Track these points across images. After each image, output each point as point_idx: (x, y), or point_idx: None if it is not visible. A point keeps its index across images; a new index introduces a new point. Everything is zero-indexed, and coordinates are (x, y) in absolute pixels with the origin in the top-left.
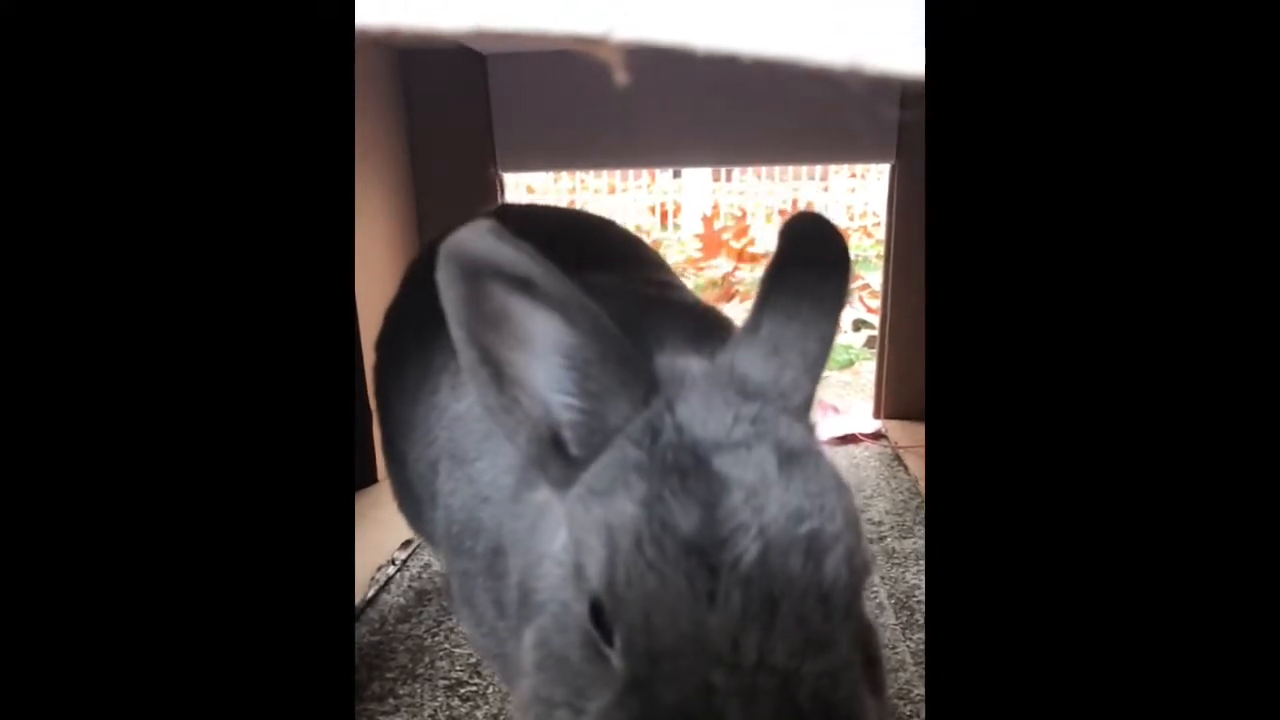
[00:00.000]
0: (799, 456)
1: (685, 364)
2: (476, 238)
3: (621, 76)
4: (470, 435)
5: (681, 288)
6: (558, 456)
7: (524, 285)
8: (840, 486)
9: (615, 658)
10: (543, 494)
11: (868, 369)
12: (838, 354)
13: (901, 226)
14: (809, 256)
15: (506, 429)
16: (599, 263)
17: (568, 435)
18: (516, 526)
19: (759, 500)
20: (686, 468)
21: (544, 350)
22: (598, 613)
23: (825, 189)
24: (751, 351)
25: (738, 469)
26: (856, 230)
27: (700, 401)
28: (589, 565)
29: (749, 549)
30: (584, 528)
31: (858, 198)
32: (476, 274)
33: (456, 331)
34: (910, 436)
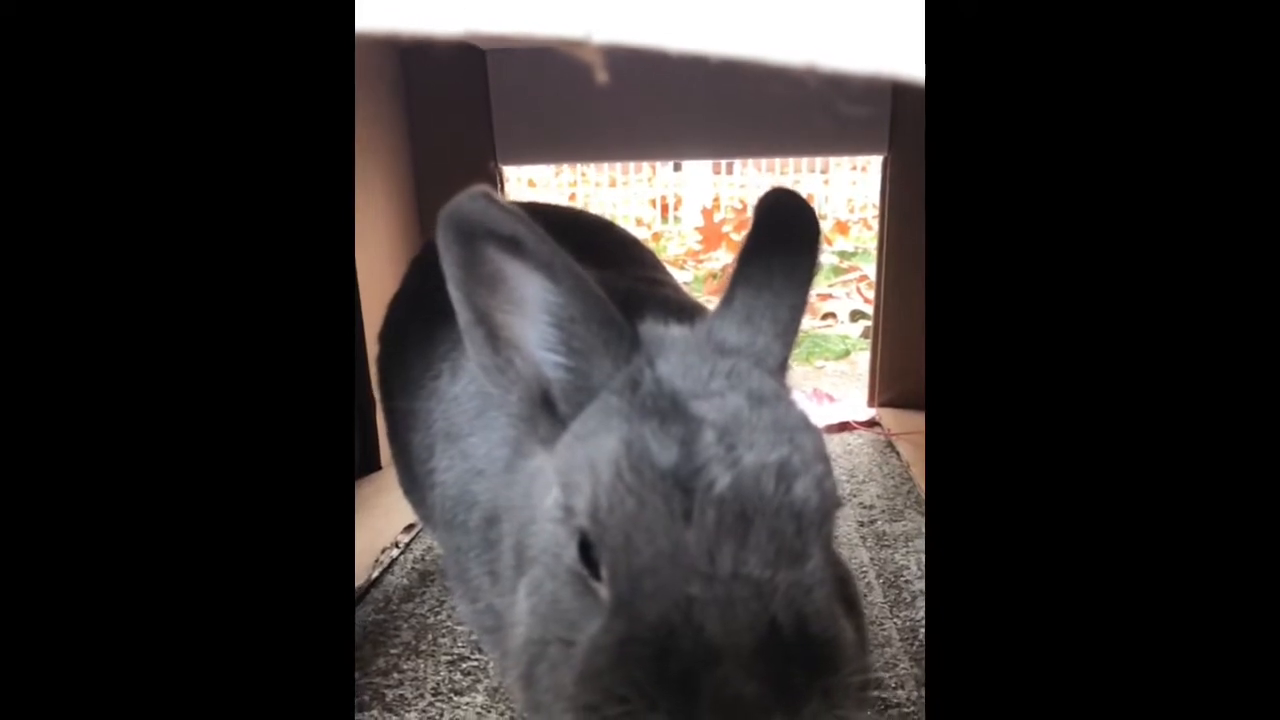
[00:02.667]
0: (769, 400)
1: (665, 329)
2: (469, 202)
3: (601, 76)
4: (464, 413)
5: (675, 286)
6: (547, 415)
7: (515, 247)
8: (810, 426)
9: (603, 589)
10: (535, 462)
11: (864, 359)
12: (834, 345)
13: (894, 218)
14: (780, 231)
15: (501, 388)
16: (595, 261)
17: (556, 393)
18: (510, 494)
19: (732, 436)
20: (665, 411)
21: (533, 310)
22: (585, 550)
23: (826, 182)
24: (727, 319)
25: (713, 411)
26: (856, 223)
27: (679, 359)
28: (577, 502)
29: (722, 475)
30: (570, 468)
31: (858, 190)
32: (471, 236)
33: (455, 293)
34: (902, 424)
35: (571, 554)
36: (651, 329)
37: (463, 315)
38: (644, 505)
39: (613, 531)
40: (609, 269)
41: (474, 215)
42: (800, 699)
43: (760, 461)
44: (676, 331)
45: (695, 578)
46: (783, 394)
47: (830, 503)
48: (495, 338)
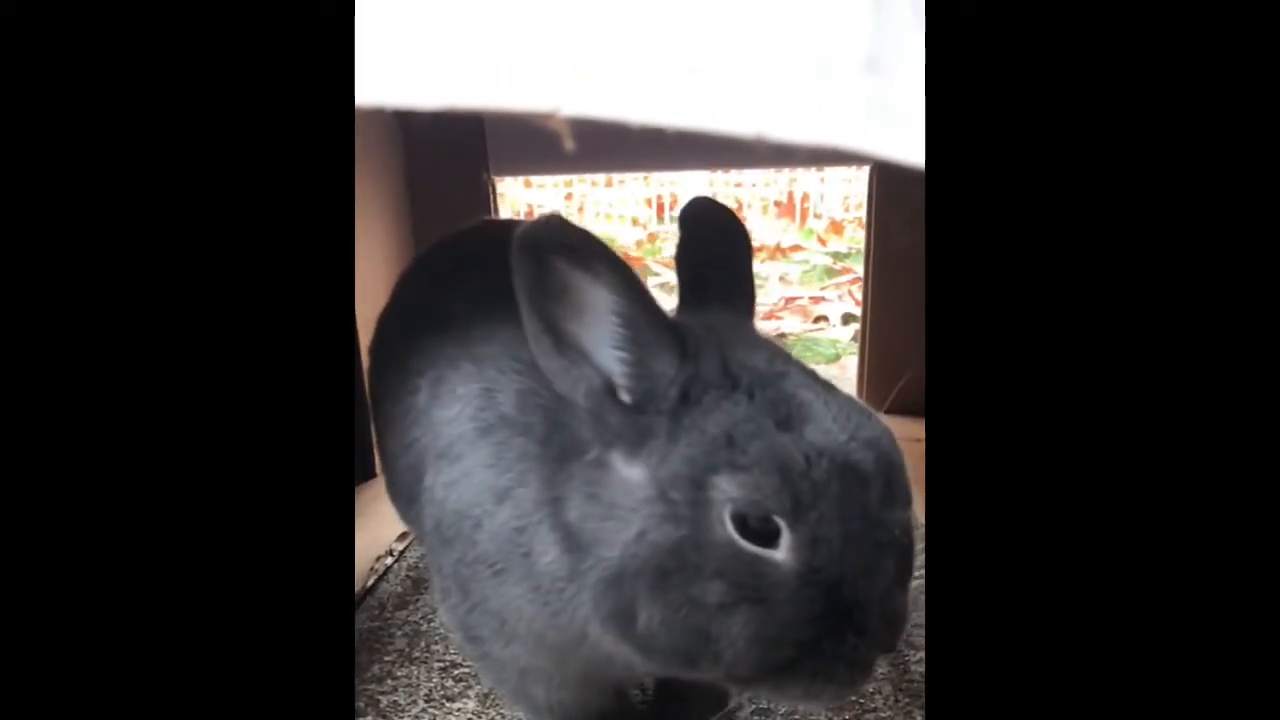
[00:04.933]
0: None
1: (713, 321)
2: (544, 223)
3: (569, 144)
4: (461, 435)
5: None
6: (614, 406)
7: (584, 260)
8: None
9: (782, 554)
10: (582, 465)
11: (854, 364)
12: (825, 348)
13: (882, 224)
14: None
15: (565, 388)
16: None
17: (620, 384)
18: (536, 505)
19: (838, 409)
20: (780, 398)
21: (600, 313)
22: (743, 524)
23: (822, 180)
24: (714, 309)
25: (807, 392)
26: (851, 222)
27: (741, 348)
28: (727, 488)
29: (861, 450)
30: (715, 460)
31: (854, 189)
32: (544, 253)
33: (525, 305)
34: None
35: (724, 533)
36: (693, 321)
37: (531, 325)
38: (832, 483)
39: (806, 508)
40: None
41: (547, 233)
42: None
43: (874, 433)
44: (702, 324)
45: (873, 531)
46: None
47: None
48: (560, 342)
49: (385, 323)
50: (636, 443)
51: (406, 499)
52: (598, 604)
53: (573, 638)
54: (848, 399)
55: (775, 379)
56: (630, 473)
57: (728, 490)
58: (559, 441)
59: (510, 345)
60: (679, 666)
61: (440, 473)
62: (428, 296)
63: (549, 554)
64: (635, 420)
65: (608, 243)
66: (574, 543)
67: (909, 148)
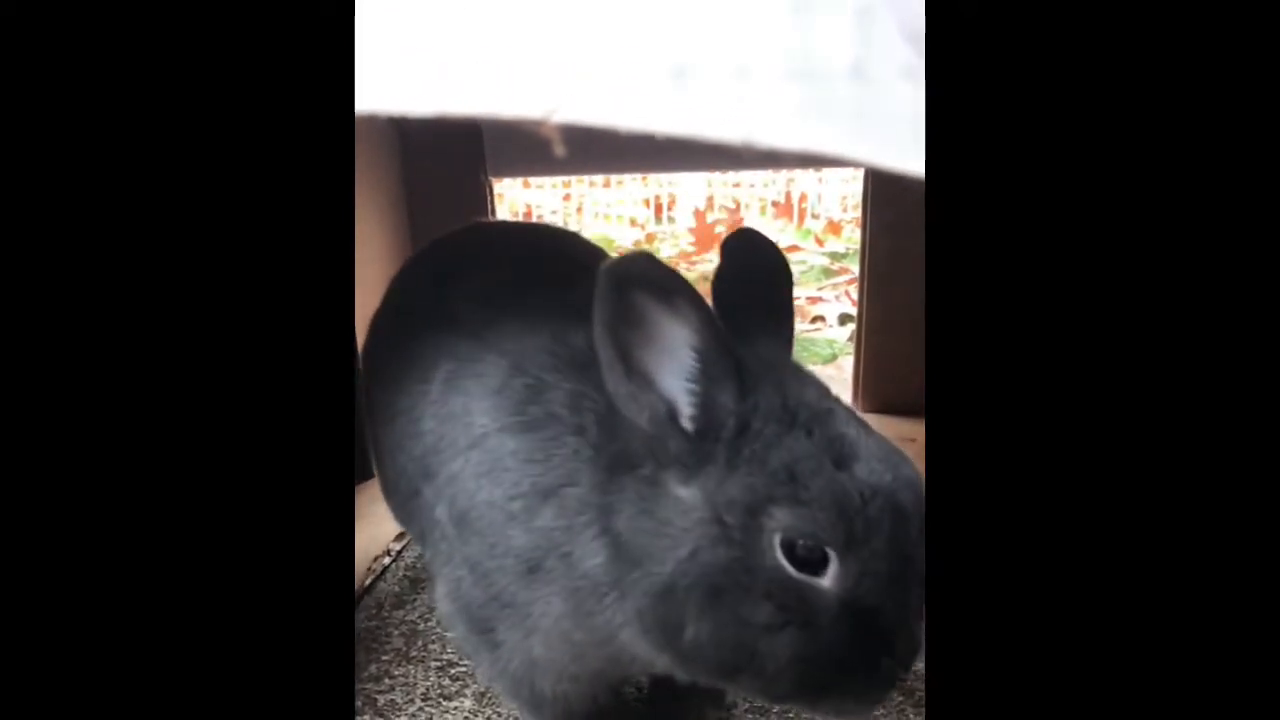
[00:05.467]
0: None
1: (762, 354)
2: (633, 258)
3: (560, 150)
4: (495, 440)
5: None
6: (676, 431)
7: (667, 297)
8: None
9: (828, 581)
10: (634, 482)
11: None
12: (822, 348)
13: (877, 224)
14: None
15: (629, 411)
16: (561, 274)
17: (685, 413)
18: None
19: (881, 450)
20: (834, 437)
21: (676, 346)
22: (791, 550)
23: (820, 181)
24: (762, 341)
25: (853, 430)
26: (849, 222)
27: (793, 385)
28: (813, 525)
29: (903, 489)
30: (773, 489)
31: (852, 189)
32: (629, 287)
33: (601, 332)
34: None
35: (773, 558)
36: (754, 355)
37: (604, 351)
38: (884, 520)
39: (859, 543)
40: (581, 283)
41: (634, 269)
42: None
43: (911, 473)
44: (769, 355)
45: (908, 565)
46: None
47: None
48: (630, 370)
49: (382, 321)
50: (693, 467)
51: (408, 491)
52: (643, 614)
53: (600, 638)
54: (881, 438)
55: (826, 415)
56: (684, 493)
57: (784, 521)
58: (612, 450)
59: (549, 344)
60: (718, 678)
61: (470, 463)
62: (428, 296)
63: (593, 559)
64: (694, 446)
65: (606, 244)
66: (622, 553)
67: (894, 154)
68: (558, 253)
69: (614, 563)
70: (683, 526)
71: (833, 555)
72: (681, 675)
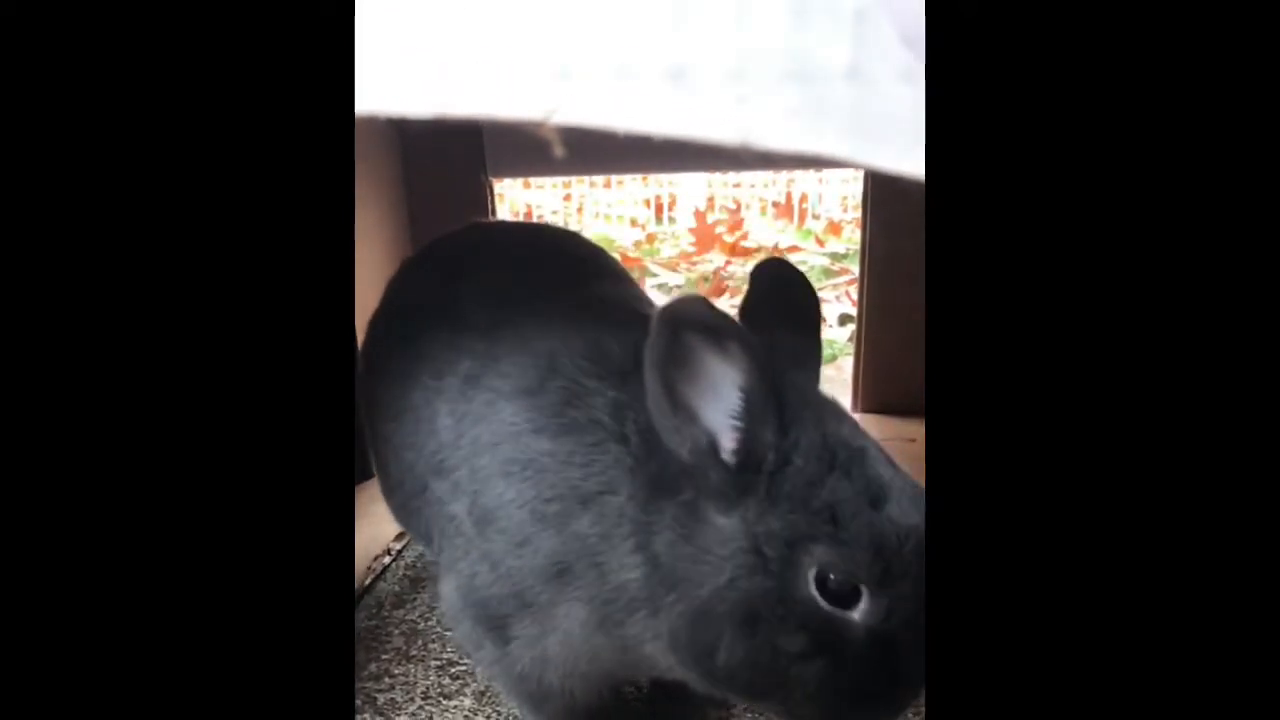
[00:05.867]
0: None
1: (797, 388)
2: (688, 300)
3: (559, 151)
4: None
5: (634, 298)
6: (716, 464)
7: (719, 340)
8: None
9: (857, 615)
10: (674, 506)
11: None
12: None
13: (877, 224)
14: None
15: (673, 444)
16: (566, 274)
17: (726, 447)
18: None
19: (907, 490)
20: (872, 478)
21: (722, 384)
22: (824, 584)
23: (821, 181)
24: (798, 375)
25: (887, 470)
26: (849, 223)
27: (831, 421)
28: (851, 563)
29: (916, 529)
30: (838, 540)
31: (852, 189)
32: (682, 328)
33: (651, 369)
34: (887, 430)
35: (807, 590)
36: (794, 388)
37: (652, 385)
38: (915, 560)
39: (893, 581)
40: (584, 283)
41: (689, 312)
42: None
43: (918, 518)
44: (805, 391)
45: (925, 599)
46: None
47: None
48: (676, 404)
49: (383, 320)
50: (733, 498)
51: (415, 487)
52: (676, 634)
53: (621, 647)
54: (904, 474)
55: (861, 455)
56: (724, 523)
57: (823, 558)
58: (653, 466)
59: (585, 349)
60: (744, 698)
61: (498, 460)
62: (436, 294)
63: (628, 574)
64: (735, 478)
65: (607, 243)
66: (659, 574)
67: (891, 155)
68: (565, 252)
69: (649, 582)
70: (721, 555)
71: (865, 591)
72: (698, 687)
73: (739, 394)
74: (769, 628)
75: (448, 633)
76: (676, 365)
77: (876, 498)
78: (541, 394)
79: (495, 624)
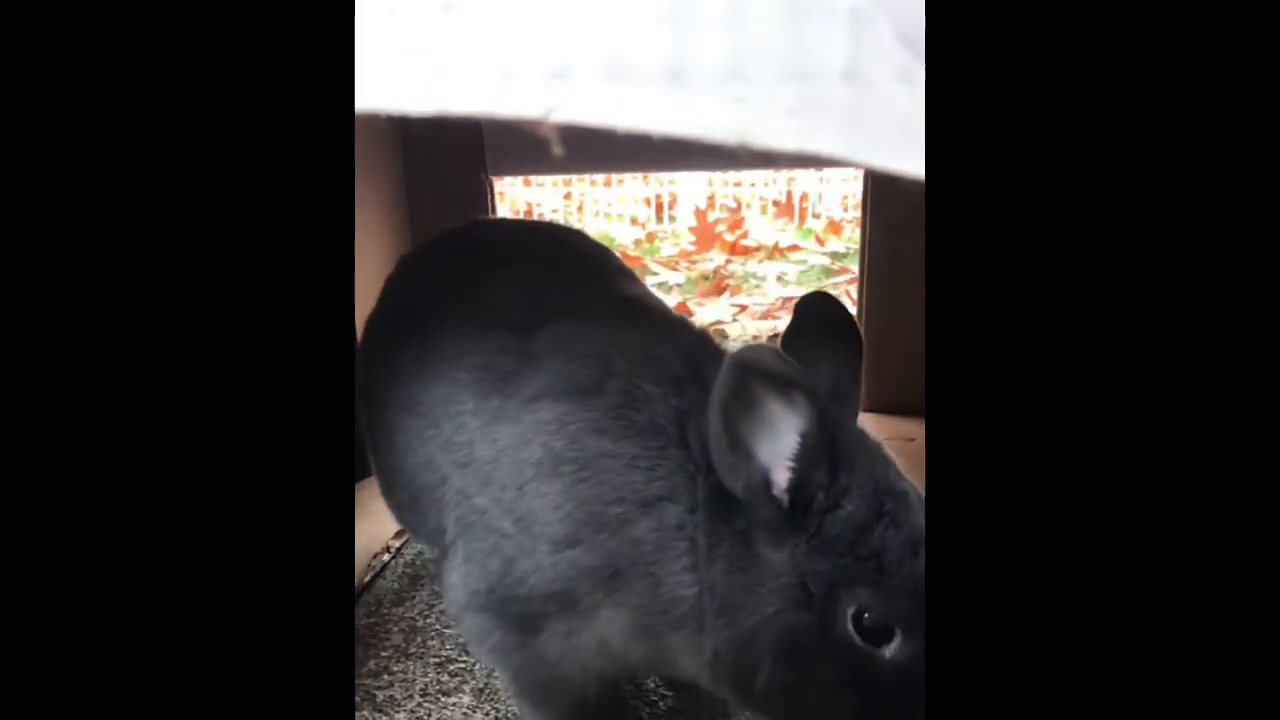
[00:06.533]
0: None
1: (849, 433)
2: (760, 353)
3: (558, 149)
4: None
5: (656, 299)
6: (768, 500)
7: (785, 390)
8: None
9: (889, 652)
10: (725, 534)
11: None
12: None
13: (875, 225)
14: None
15: (728, 480)
16: (587, 272)
17: (779, 485)
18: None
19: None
20: (913, 529)
21: (782, 430)
22: (859, 622)
23: (821, 180)
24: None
25: (918, 515)
26: (849, 222)
27: (879, 466)
28: (893, 607)
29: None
30: (884, 586)
31: (853, 188)
32: (750, 375)
33: (716, 410)
34: (886, 429)
35: (844, 626)
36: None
37: (715, 424)
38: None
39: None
40: (591, 282)
41: (758, 361)
42: None
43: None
44: (846, 435)
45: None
46: None
47: None
48: (735, 444)
49: (388, 315)
50: (784, 535)
51: (431, 480)
52: (719, 654)
53: (658, 655)
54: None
55: (902, 500)
56: (774, 557)
57: (865, 600)
58: (713, 478)
59: (638, 354)
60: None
61: (548, 458)
62: (453, 290)
63: (680, 591)
64: (785, 515)
65: (607, 241)
66: (711, 599)
67: (888, 154)
68: (581, 251)
69: (699, 603)
70: (771, 588)
71: (899, 633)
72: (712, 690)
73: (798, 438)
74: (806, 658)
75: (447, 630)
76: (741, 407)
77: (917, 545)
78: (600, 395)
79: (525, 620)
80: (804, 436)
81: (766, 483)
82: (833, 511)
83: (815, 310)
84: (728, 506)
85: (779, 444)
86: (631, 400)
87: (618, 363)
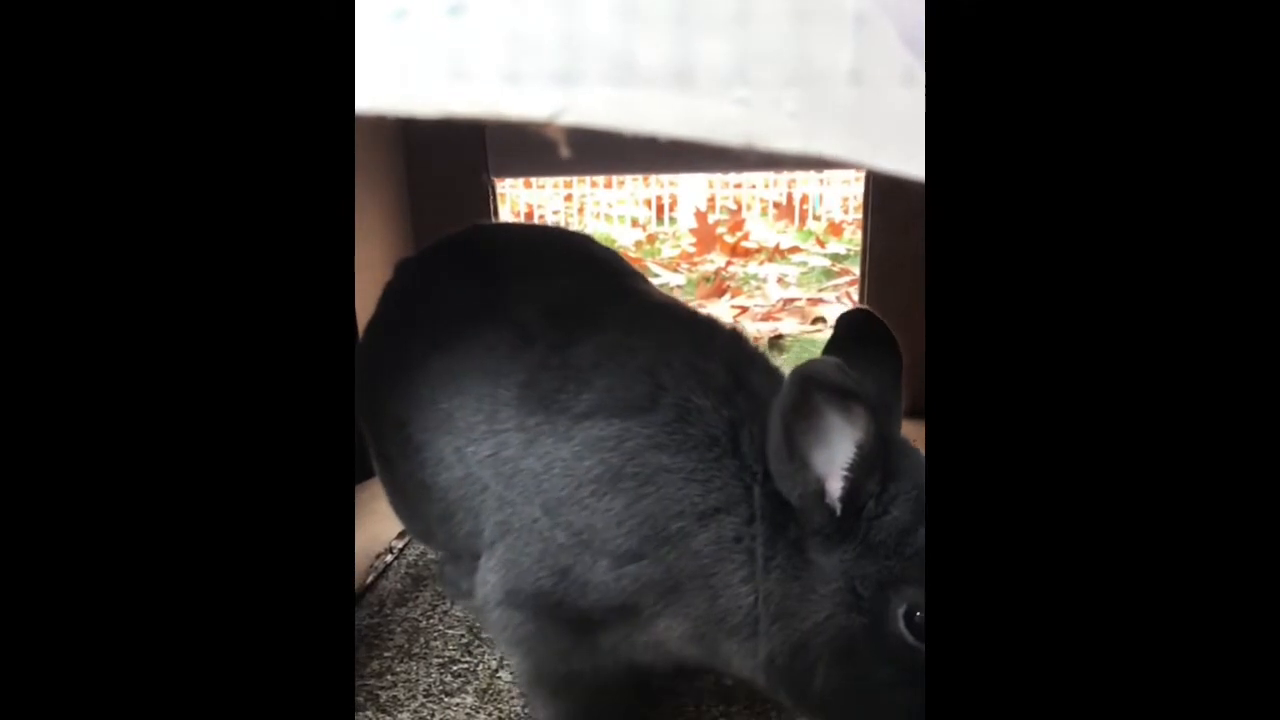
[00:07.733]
0: None
1: (898, 443)
2: (823, 366)
3: (564, 151)
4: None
5: (678, 301)
6: (821, 508)
7: (845, 405)
8: None
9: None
10: (783, 544)
11: None
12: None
13: (877, 226)
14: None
15: (785, 488)
16: (608, 281)
17: (833, 493)
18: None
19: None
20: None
21: (840, 440)
22: (910, 620)
23: (822, 182)
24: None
25: None
26: (850, 224)
27: (920, 466)
28: (908, 593)
29: None
30: (922, 582)
31: (853, 190)
32: (813, 388)
33: (775, 418)
34: None
35: (896, 626)
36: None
37: (775, 434)
38: None
39: None
40: (602, 283)
41: (822, 375)
42: None
43: None
44: (896, 445)
45: None
46: None
47: None
48: (793, 453)
49: (379, 329)
50: (834, 541)
51: (472, 490)
52: (774, 658)
53: (708, 656)
54: None
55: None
56: (825, 563)
57: (914, 599)
58: (768, 487)
59: (687, 368)
60: None
61: (607, 474)
62: (472, 301)
63: (739, 601)
64: (836, 522)
65: (609, 242)
66: (767, 608)
67: (891, 156)
68: (596, 258)
69: (754, 611)
70: (823, 593)
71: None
72: (792, 708)
73: (854, 449)
74: (860, 659)
75: (450, 630)
76: (801, 419)
77: None
78: (655, 411)
79: (579, 624)
80: (860, 447)
81: (821, 491)
82: (880, 518)
83: (857, 326)
84: (783, 515)
85: (835, 454)
86: (684, 414)
87: (666, 377)
